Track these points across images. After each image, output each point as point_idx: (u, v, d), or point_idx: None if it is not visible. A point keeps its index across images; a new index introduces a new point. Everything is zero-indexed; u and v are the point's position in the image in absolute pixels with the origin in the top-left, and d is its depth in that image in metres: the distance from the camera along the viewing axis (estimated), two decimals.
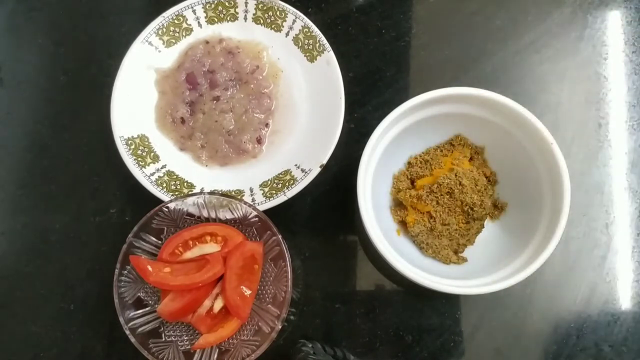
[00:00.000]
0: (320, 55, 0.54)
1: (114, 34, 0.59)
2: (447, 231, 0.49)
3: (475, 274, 0.46)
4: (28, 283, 0.52)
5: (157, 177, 0.51)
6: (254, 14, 0.56)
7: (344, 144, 0.52)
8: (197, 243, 0.45)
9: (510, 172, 0.50)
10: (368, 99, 0.56)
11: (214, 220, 0.46)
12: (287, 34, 0.55)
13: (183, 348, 0.43)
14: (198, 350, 0.43)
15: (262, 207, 0.49)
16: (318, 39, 0.54)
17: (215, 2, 0.55)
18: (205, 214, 0.46)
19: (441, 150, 0.51)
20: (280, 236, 0.42)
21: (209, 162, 0.54)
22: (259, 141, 0.54)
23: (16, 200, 0.54)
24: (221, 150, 0.53)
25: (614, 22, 0.59)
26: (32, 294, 0.52)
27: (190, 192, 0.51)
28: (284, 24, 0.55)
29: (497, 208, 0.50)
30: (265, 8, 0.55)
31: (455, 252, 0.49)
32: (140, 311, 0.43)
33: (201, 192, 0.44)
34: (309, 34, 0.54)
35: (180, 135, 0.54)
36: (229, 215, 0.46)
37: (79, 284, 0.52)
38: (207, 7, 0.55)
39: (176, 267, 0.43)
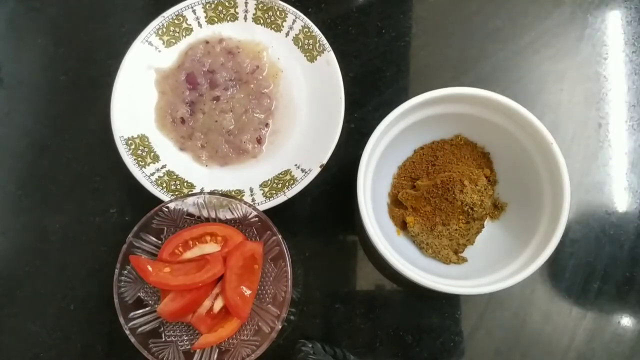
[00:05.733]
0: (320, 55, 0.54)
1: (114, 34, 0.59)
2: (447, 231, 0.49)
3: (475, 274, 0.46)
4: (28, 283, 0.52)
5: (157, 177, 0.51)
6: (254, 14, 0.56)
7: (344, 144, 0.52)
8: (197, 243, 0.45)
9: (510, 172, 0.50)
10: (368, 99, 0.56)
11: (214, 220, 0.46)
12: (287, 34, 0.55)
13: (183, 348, 0.43)
14: (198, 350, 0.43)
15: (262, 207, 0.49)
16: (318, 39, 0.54)
17: (215, 2, 0.55)
18: (205, 214, 0.46)
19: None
20: (280, 236, 0.42)
21: (209, 162, 0.54)
22: (259, 141, 0.54)
23: (16, 200, 0.54)
24: (221, 150, 0.53)
25: (614, 22, 0.59)
26: (32, 294, 0.52)
27: (190, 192, 0.51)
28: (284, 24, 0.55)
29: (497, 208, 0.50)
30: (265, 8, 0.55)
31: (455, 252, 0.49)
32: (140, 311, 0.43)
33: (201, 192, 0.44)
34: (309, 34, 0.54)
35: (180, 135, 0.54)
36: (229, 215, 0.46)
37: (79, 284, 0.52)
38: (207, 7, 0.55)
39: (176, 267, 0.43)
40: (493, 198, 0.51)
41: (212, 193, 0.44)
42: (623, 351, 0.50)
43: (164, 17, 0.54)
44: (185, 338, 0.44)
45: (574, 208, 0.53)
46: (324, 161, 0.49)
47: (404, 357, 0.50)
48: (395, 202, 0.51)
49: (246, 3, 0.55)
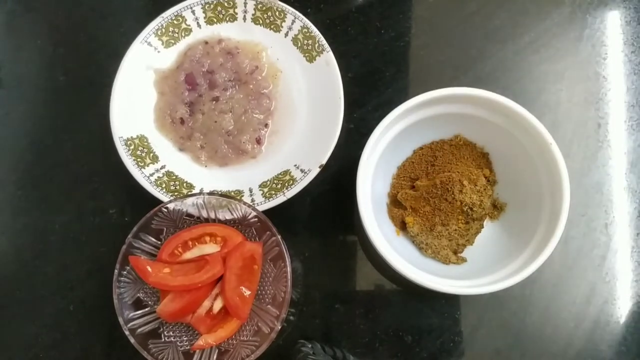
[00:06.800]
0: (320, 56, 0.54)
1: (113, 35, 0.59)
2: (446, 231, 0.49)
3: (475, 274, 0.46)
4: (28, 283, 0.52)
5: (156, 178, 0.51)
6: (253, 15, 0.56)
7: (344, 144, 0.52)
8: (196, 243, 0.45)
9: (509, 172, 0.50)
10: (367, 99, 0.56)
11: (214, 220, 0.46)
12: (286, 35, 0.55)
13: (182, 349, 0.43)
14: (197, 351, 0.43)
15: (261, 208, 0.49)
16: (317, 39, 0.54)
17: (215, 2, 0.55)
18: (204, 214, 0.46)
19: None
20: (279, 236, 0.42)
21: (208, 162, 0.54)
22: (258, 141, 0.54)
23: (16, 200, 0.54)
24: (220, 151, 0.53)
25: (613, 22, 0.59)
26: (32, 294, 0.52)
27: (189, 193, 0.51)
28: (283, 24, 0.55)
29: (497, 208, 0.50)
30: (264, 8, 0.55)
31: (455, 253, 0.49)
32: (140, 312, 0.43)
33: (200, 193, 0.44)
34: (308, 34, 0.54)
35: (180, 136, 0.54)
36: (228, 216, 0.46)
37: (79, 284, 0.52)
38: (206, 7, 0.55)
39: (175, 268, 0.43)
40: (492, 198, 0.51)
41: (211, 193, 0.44)
42: (623, 351, 0.50)
43: (163, 17, 0.54)
44: (185, 338, 0.44)
45: (573, 208, 0.53)
46: (324, 161, 0.49)
47: (404, 357, 0.50)
48: (395, 203, 0.51)
49: (245, 3, 0.55)
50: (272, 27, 0.56)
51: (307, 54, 0.55)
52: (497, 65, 0.57)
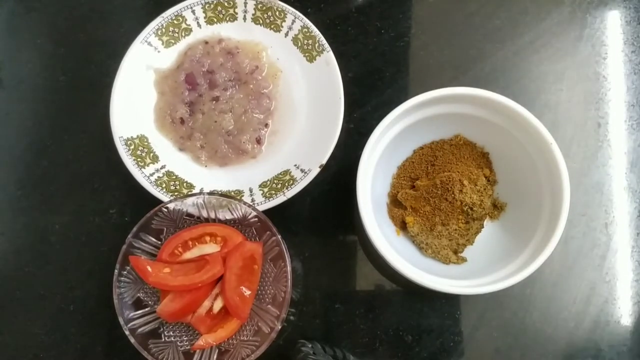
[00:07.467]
0: (320, 56, 0.54)
1: (113, 35, 0.59)
2: (446, 231, 0.49)
3: (475, 274, 0.46)
4: (28, 283, 0.52)
5: (156, 178, 0.51)
6: (253, 14, 0.56)
7: (344, 144, 0.52)
8: (196, 243, 0.45)
9: (509, 172, 0.50)
10: (367, 99, 0.56)
11: (214, 220, 0.46)
12: (286, 34, 0.55)
13: (183, 348, 0.43)
14: (198, 351, 0.43)
15: (261, 208, 0.49)
16: (317, 39, 0.54)
17: (215, 2, 0.55)
18: (204, 214, 0.46)
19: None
20: (279, 236, 0.43)
21: (208, 162, 0.54)
22: (259, 141, 0.54)
23: (16, 200, 0.54)
24: (220, 151, 0.53)
25: (613, 21, 0.59)
26: (32, 294, 0.52)
27: (189, 193, 0.51)
28: (283, 24, 0.55)
29: (497, 208, 0.50)
30: (264, 8, 0.55)
31: (455, 252, 0.49)
32: (140, 312, 0.43)
33: (200, 193, 0.44)
34: (308, 34, 0.54)
35: (180, 136, 0.54)
36: (228, 216, 0.46)
37: (79, 285, 0.52)
38: (206, 7, 0.55)
39: (176, 268, 0.43)
40: (492, 198, 0.51)
41: (211, 193, 0.44)
42: (624, 350, 0.50)
43: (163, 17, 0.54)
44: (185, 338, 0.44)
45: (573, 208, 0.53)
46: (324, 161, 0.49)
47: (404, 357, 0.50)
48: (395, 202, 0.51)
49: (245, 3, 0.55)
50: (272, 27, 0.56)
51: (307, 54, 0.55)
52: (497, 65, 0.57)
